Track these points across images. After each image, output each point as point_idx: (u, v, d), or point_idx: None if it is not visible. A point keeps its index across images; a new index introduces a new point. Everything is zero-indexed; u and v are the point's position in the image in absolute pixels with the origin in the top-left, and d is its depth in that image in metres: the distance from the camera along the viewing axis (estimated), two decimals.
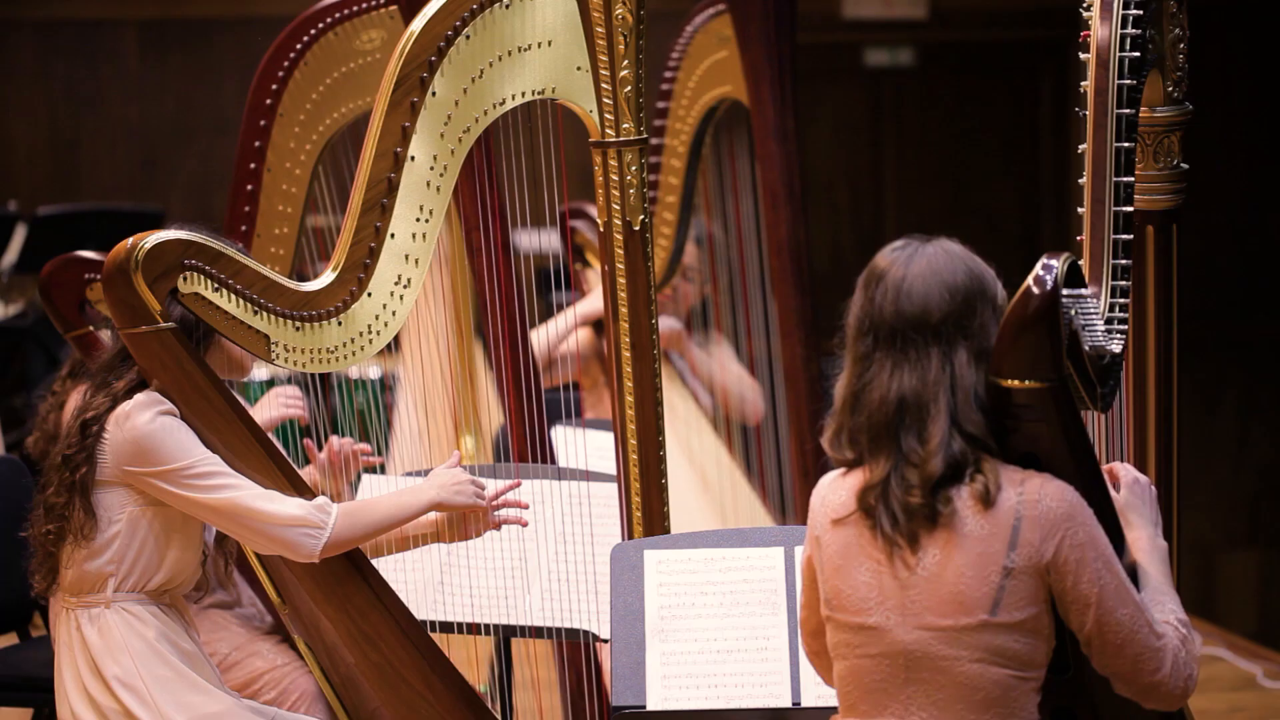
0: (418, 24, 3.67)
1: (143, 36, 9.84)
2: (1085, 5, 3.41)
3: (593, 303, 5.25)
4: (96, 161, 9.86)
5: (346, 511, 3.61)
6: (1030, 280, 2.89)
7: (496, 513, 3.83)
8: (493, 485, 3.87)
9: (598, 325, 5.34)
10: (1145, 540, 3.05)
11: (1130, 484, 3.09)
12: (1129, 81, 3.35)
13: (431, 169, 3.72)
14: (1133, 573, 2.99)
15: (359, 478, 4.21)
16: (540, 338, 5.15)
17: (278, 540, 3.58)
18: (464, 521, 3.83)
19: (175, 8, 9.82)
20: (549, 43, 3.77)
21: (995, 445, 2.90)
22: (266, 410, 4.21)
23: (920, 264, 2.92)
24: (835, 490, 3.01)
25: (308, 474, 4.16)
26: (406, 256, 3.73)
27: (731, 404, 5.53)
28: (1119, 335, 3.23)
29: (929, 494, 2.87)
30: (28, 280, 8.43)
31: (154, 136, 9.86)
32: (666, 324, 5.40)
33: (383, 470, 5.01)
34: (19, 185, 9.66)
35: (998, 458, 2.90)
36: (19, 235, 8.59)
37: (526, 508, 3.89)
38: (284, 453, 3.72)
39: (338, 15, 4.55)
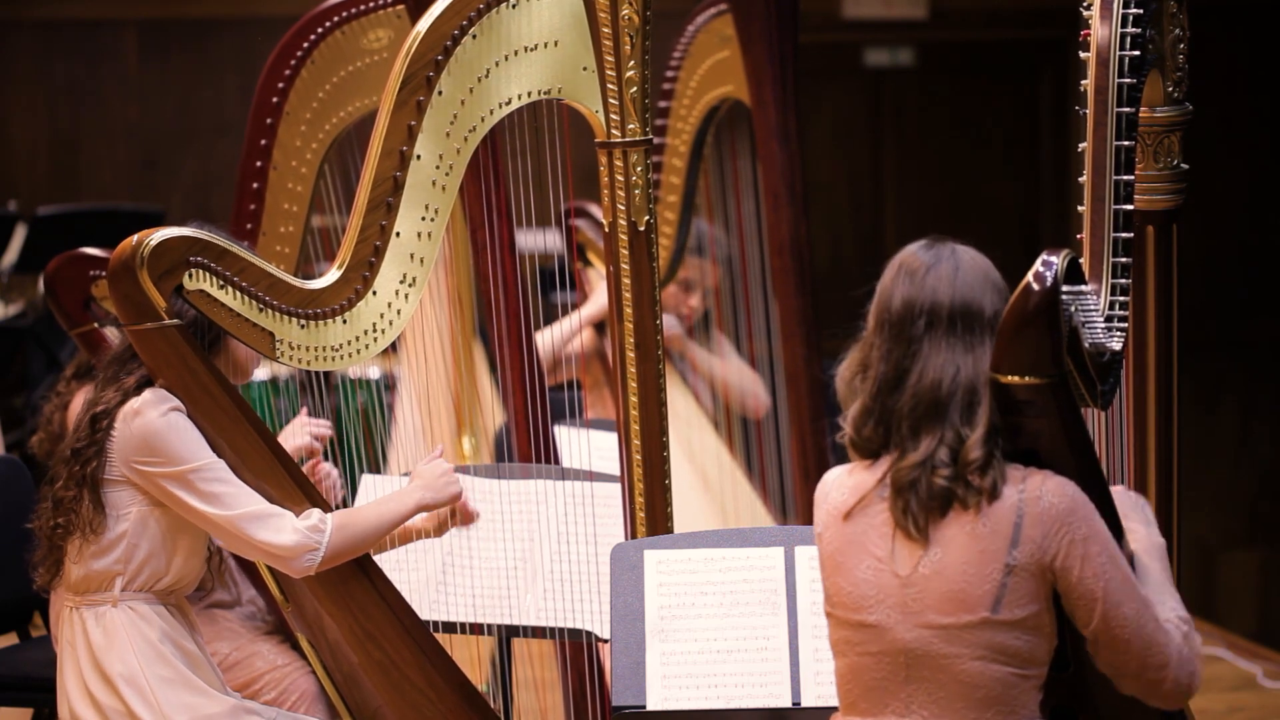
0: (424, 23, 3.68)
1: (143, 36, 9.84)
2: (1085, 4, 3.42)
3: (597, 305, 5.26)
4: (96, 161, 9.86)
5: (340, 526, 3.61)
6: (1030, 276, 2.90)
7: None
8: (487, 488, 3.88)
9: (600, 325, 5.34)
10: (1143, 537, 3.06)
11: (1118, 492, 3.10)
12: (1129, 80, 3.36)
13: (437, 168, 3.72)
14: (1131, 564, 2.99)
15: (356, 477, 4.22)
16: (545, 340, 5.15)
17: (272, 560, 3.60)
18: (464, 512, 3.84)
19: (175, 8, 9.82)
20: (555, 43, 3.77)
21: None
22: (293, 439, 4.18)
23: (966, 259, 2.96)
24: (839, 488, 3.01)
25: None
26: (412, 256, 3.73)
27: (733, 398, 5.53)
28: (1119, 333, 3.24)
29: (954, 479, 2.87)
30: (28, 280, 8.43)
31: (154, 136, 9.85)
32: (667, 324, 5.40)
33: (384, 463, 5.02)
34: (19, 185, 9.66)
35: (1003, 455, 2.91)
36: (19, 235, 8.58)
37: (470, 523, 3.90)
38: (289, 453, 3.73)
39: (345, 14, 4.55)
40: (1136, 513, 3.10)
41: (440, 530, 3.86)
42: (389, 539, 3.83)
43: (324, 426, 4.22)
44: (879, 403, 2.96)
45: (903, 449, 2.93)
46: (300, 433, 4.17)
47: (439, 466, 3.74)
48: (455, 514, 3.84)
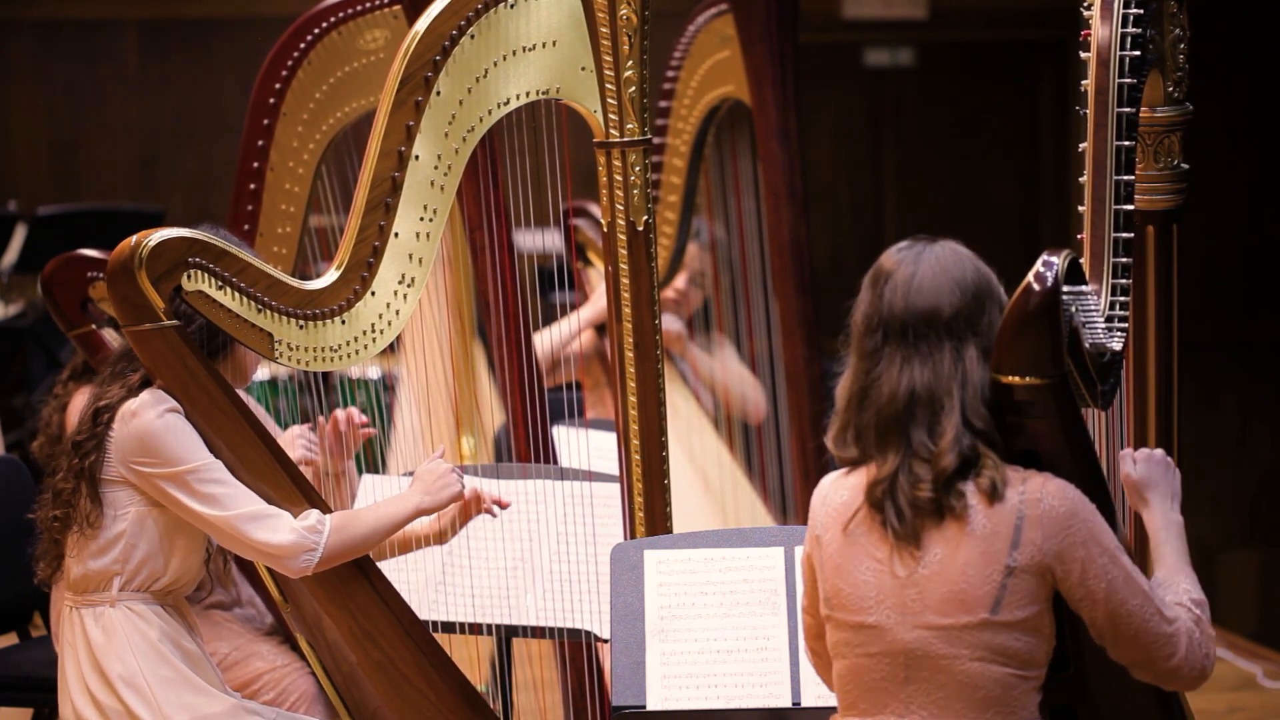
0: (422, 23, 3.68)
1: (143, 36, 9.84)
2: (1086, 4, 3.42)
3: (597, 306, 5.26)
4: (96, 161, 9.87)
5: (338, 528, 3.61)
6: (1031, 276, 2.90)
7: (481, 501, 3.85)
8: (487, 488, 3.87)
9: (600, 326, 5.34)
10: (1160, 518, 3.05)
11: (1145, 458, 3.08)
12: (1129, 80, 3.35)
13: (436, 168, 3.72)
14: (1129, 553, 2.98)
15: (359, 471, 4.21)
16: (544, 341, 5.15)
17: (270, 562, 3.60)
18: (463, 511, 3.84)
19: (175, 8, 9.82)
20: (553, 43, 3.77)
21: (999, 443, 2.91)
22: (290, 451, 4.17)
23: (929, 261, 2.93)
24: (837, 490, 3.01)
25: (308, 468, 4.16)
26: (410, 256, 3.73)
27: (733, 404, 5.53)
28: (1119, 333, 3.23)
29: (939, 489, 2.87)
30: (28, 280, 8.43)
31: (154, 136, 9.86)
32: (668, 324, 5.40)
33: (384, 463, 5.02)
34: (19, 185, 9.67)
35: (1001, 456, 2.91)
36: (19, 235, 8.59)
37: (506, 505, 3.89)
38: (288, 454, 3.72)
39: (341, 15, 4.55)
40: (1162, 485, 3.08)
41: (441, 539, 3.86)
42: (388, 547, 3.84)
43: (315, 445, 4.20)
44: (848, 418, 2.96)
45: (874, 464, 2.93)
46: (292, 445, 4.16)
47: (437, 469, 3.73)
48: (475, 506, 3.84)
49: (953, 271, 2.93)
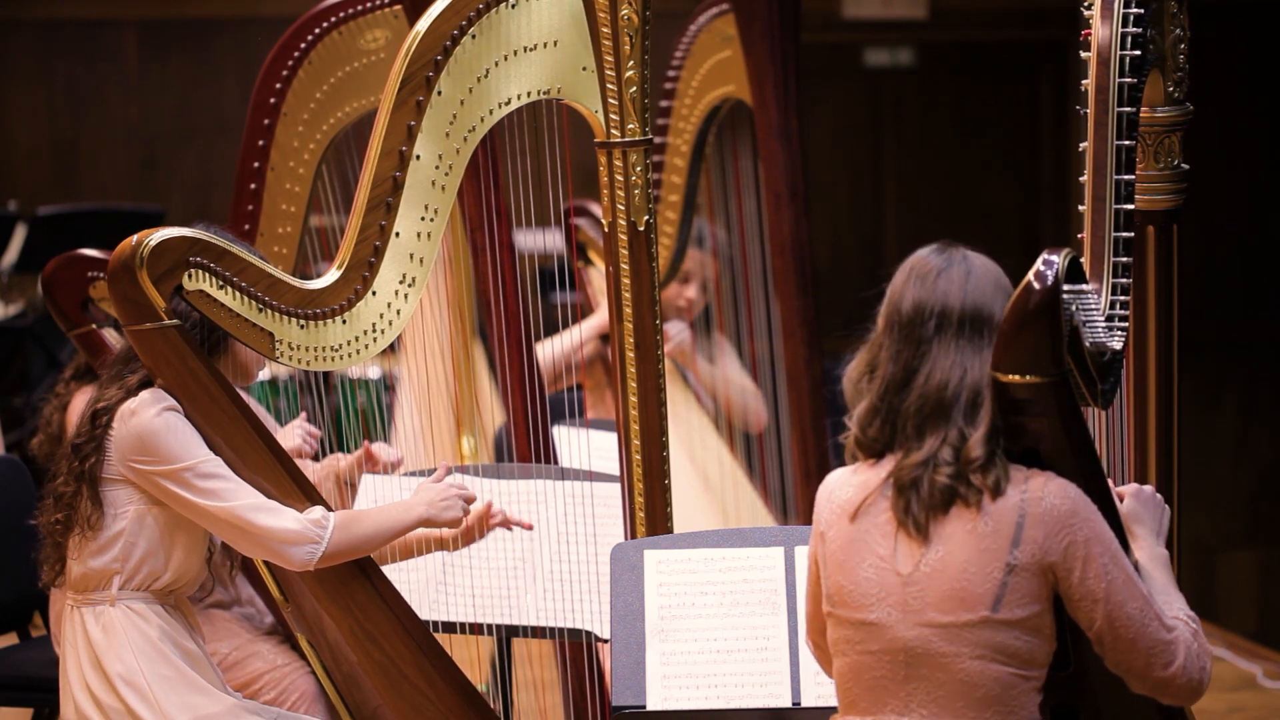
0: (423, 23, 3.68)
1: (143, 36, 9.84)
2: (1086, 4, 3.42)
3: (601, 318, 5.26)
4: (96, 161, 9.87)
5: (342, 525, 3.61)
6: (1031, 275, 2.90)
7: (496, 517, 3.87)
8: (487, 488, 3.88)
9: (603, 335, 5.33)
10: (1146, 549, 3.06)
11: (1135, 494, 3.10)
12: (1130, 80, 3.36)
13: (437, 168, 3.73)
14: (1136, 570, 2.99)
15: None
16: (547, 352, 5.15)
17: (273, 552, 3.59)
18: (467, 530, 3.85)
19: (175, 8, 9.83)
20: (554, 43, 3.77)
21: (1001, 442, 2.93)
22: (287, 440, 4.18)
23: (978, 264, 2.98)
24: (843, 486, 3.01)
25: (312, 471, 4.16)
26: (411, 256, 3.73)
27: (734, 413, 5.53)
28: (1120, 332, 3.24)
29: (956, 477, 2.88)
30: (28, 280, 8.43)
31: (154, 136, 9.86)
32: (678, 334, 5.40)
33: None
34: (19, 185, 9.66)
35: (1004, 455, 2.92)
36: (19, 235, 8.59)
37: (529, 528, 3.92)
38: (288, 453, 3.72)
39: (342, 15, 4.55)
40: (1149, 521, 3.10)
41: (444, 546, 3.87)
42: (390, 551, 3.84)
43: (314, 436, 4.22)
44: (886, 402, 2.97)
45: (907, 449, 2.94)
46: (291, 434, 4.17)
47: (443, 488, 3.74)
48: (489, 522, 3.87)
49: (1000, 280, 2.99)
